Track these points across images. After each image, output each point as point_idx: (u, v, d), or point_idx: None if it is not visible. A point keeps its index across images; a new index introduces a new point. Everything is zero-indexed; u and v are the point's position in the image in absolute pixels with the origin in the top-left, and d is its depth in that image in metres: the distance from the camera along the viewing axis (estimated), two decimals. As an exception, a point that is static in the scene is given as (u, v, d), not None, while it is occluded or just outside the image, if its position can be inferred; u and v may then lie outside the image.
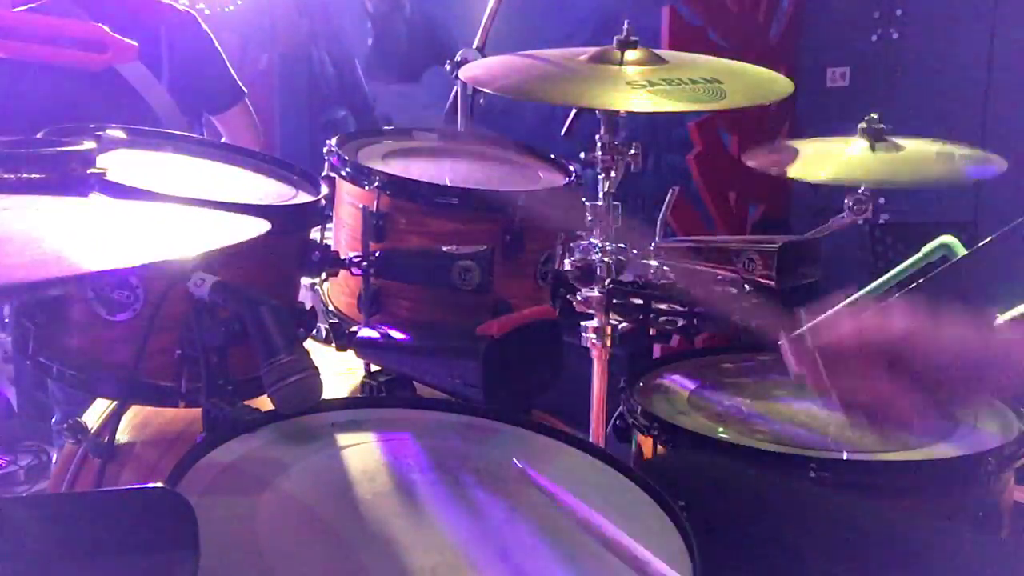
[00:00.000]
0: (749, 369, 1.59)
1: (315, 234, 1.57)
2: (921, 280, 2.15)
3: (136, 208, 1.02)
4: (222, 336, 1.22)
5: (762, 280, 1.51)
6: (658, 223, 1.73)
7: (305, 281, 1.62)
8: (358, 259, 1.54)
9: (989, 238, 2.08)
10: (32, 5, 2.28)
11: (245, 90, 2.70)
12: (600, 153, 1.57)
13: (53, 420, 2.37)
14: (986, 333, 0.97)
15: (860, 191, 1.83)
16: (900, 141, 1.91)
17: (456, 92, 2.14)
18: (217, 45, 2.63)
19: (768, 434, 1.32)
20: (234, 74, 2.67)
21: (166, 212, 0.95)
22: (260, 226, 0.77)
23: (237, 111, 2.69)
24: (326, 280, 1.72)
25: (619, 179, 1.58)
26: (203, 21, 2.60)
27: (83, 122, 1.49)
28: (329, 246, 1.59)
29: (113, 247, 0.70)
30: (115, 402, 1.42)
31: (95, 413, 1.55)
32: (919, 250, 2.41)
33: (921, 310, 0.97)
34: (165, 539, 0.75)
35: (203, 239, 0.75)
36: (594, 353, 1.58)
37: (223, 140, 2.59)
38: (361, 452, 1.09)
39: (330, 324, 1.64)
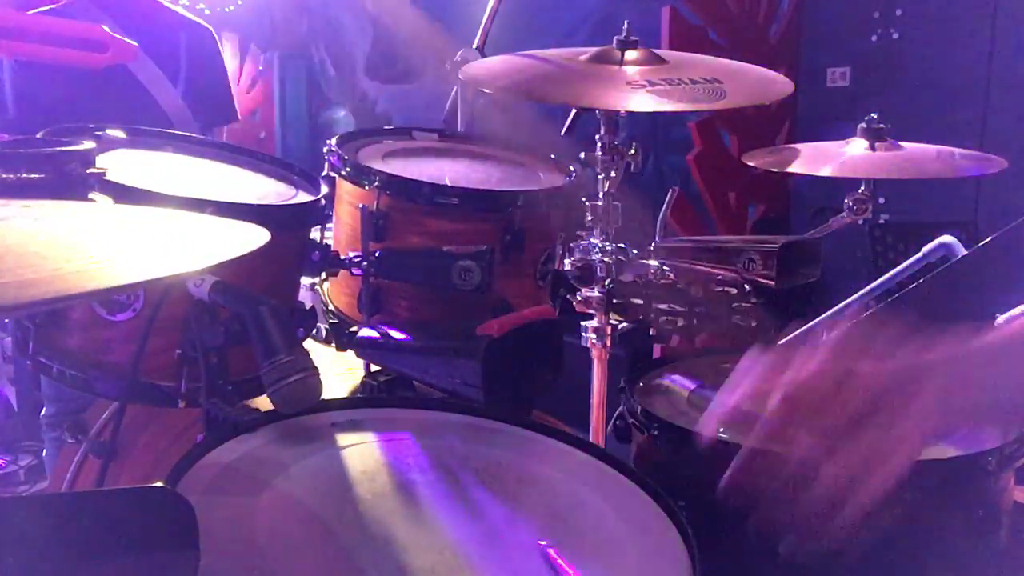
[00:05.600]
0: (749, 369, 1.59)
1: (315, 234, 1.57)
2: (921, 280, 2.15)
3: (136, 214, 1.02)
4: (222, 336, 1.22)
5: (762, 280, 1.51)
6: (658, 223, 1.73)
7: (305, 281, 1.62)
8: (358, 259, 1.54)
9: (989, 238, 2.08)
10: (52, 7, 2.30)
11: (239, 117, 2.76)
12: (600, 153, 1.57)
13: (42, 413, 2.38)
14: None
15: (860, 191, 1.83)
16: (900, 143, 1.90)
17: (456, 92, 2.14)
18: (225, 66, 2.69)
19: (768, 434, 1.31)
20: (234, 97, 2.73)
21: (167, 217, 0.95)
22: (262, 235, 0.77)
23: (219, 131, 2.74)
24: (326, 280, 1.72)
25: (619, 179, 1.58)
26: (217, 38, 2.65)
27: (97, 123, 1.50)
28: (329, 246, 1.59)
29: (118, 260, 0.70)
30: (115, 402, 1.42)
31: (94, 413, 1.55)
32: (919, 250, 2.41)
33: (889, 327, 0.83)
34: (165, 539, 0.75)
35: (208, 250, 0.75)
36: (594, 353, 1.58)
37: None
38: (361, 452, 1.09)
39: (330, 324, 1.64)
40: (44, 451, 2.45)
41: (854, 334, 0.84)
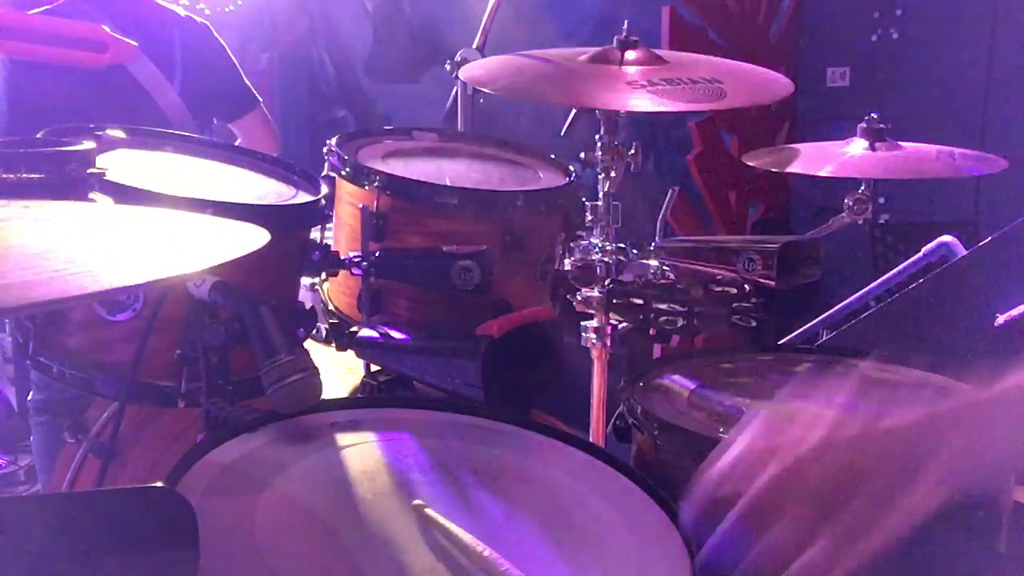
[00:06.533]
0: (749, 369, 1.59)
1: (315, 234, 1.57)
2: (921, 280, 2.15)
3: (135, 214, 1.02)
4: (222, 336, 1.22)
5: (762, 280, 1.51)
6: (658, 223, 1.73)
7: (305, 281, 1.62)
8: (358, 259, 1.54)
9: (989, 238, 2.08)
10: (48, 7, 2.30)
11: (260, 99, 2.75)
12: (600, 153, 1.57)
13: (29, 398, 2.37)
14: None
15: (860, 191, 1.83)
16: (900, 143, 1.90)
17: (456, 92, 2.14)
18: (231, 55, 2.68)
19: (768, 434, 1.31)
20: (248, 83, 2.72)
21: (167, 218, 0.95)
22: (262, 236, 0.78)
23: (252, 118, 2.74)
24: (326, 280, 1.72)
25: (619, 179, 1.58)
26: (216, 32, 2.65)
27: (93, 122, 1.49)
28: (329, 246, 1.59)
29: (118, 261, 0.70)
30: (115, 402, 1.42)
31: (94, 413, 1.55)
32: (919, 250, 2.41)
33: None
34: (165, 539, 0.75)
35: (208, 251, 0.76)
36: (594, 353, 1.58)
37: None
38: (361, 452, 1.09)
39: (330, 324, 1.64)
40: (31, 436, 2.43)
41: (857, 389, 0.81)
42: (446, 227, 1.55)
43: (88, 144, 1.29)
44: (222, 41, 2.67)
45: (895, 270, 2.46)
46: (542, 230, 1.64)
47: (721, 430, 1.34)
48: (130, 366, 1.27)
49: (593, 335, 1.56)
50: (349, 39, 5.66)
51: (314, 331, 1.52)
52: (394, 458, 1.08)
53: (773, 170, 1.94)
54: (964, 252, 2.29)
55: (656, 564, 0.95)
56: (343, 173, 1.62)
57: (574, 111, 1.78)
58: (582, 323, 1.58)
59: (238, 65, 2.71)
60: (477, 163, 1.83)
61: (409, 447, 1.11)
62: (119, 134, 1.53)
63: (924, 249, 2.39)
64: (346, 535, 0.93)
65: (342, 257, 1.54)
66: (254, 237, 0.78)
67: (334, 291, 1.70)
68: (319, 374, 1.12)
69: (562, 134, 1.81)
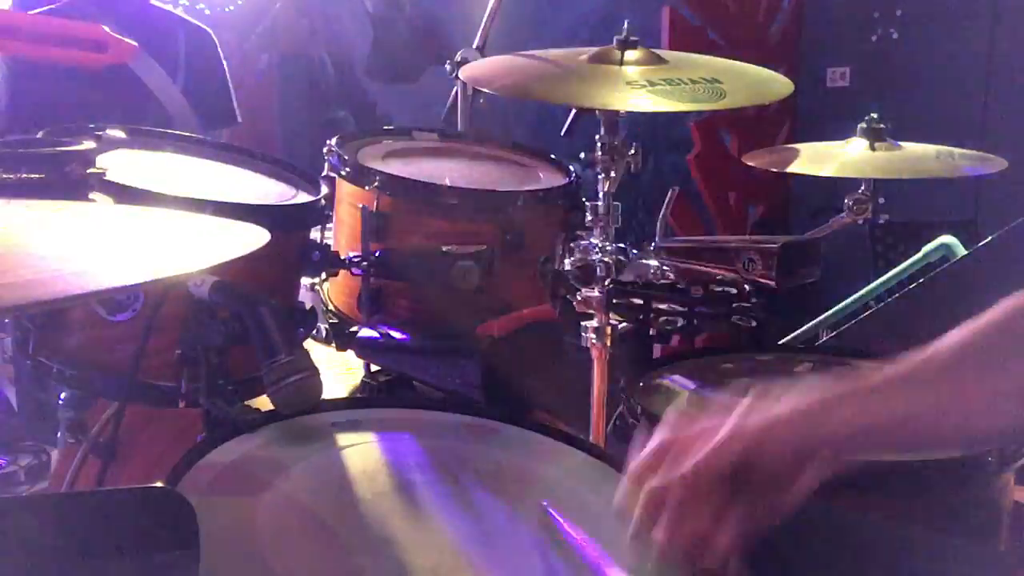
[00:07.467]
0: (749, 369, 1.59)
1: (315, 234, 1.57)
2: (921, 280, 2.15)
3: (136, 214, 1.03)
4: (222, 336, 1.22)
5: (762, 280, 1.51)
6: (658, 223, 1.73)
7: (305, 281, 1.62)
8: (358, 259, 1.54)
9: (989, 238, 2.08)
10: (52, 7, 2.30)
11: (239, 120, 2.75)
12: (600, 153, 1.57)
13: (61, 396, 2.37)
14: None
15: (860, 191, 1.83)
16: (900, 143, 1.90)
17: (456, 92, 2.14)
18: (227, 70, 2.68)
19: (768, 434, 1.31)
20: (234, 102, 2.72)
21: (167, 218, 0.95)
22: (262, 236, 0.78)
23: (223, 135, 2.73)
24: (326, 280, 1.72)
25: (619, 179, 1.58)
26: (217, 40, 2.66)
27: (94, 122, 1.50)
28: (329, 246, 1.59)
29: (118, 261, 0.70)
30: (115, 402, 1.42)
31: (94, 413, 1.55)
32: (919, 250, 2.42)
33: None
34: (165, 539, 0.75)
35: (208, 251, 0.76)
36: (594, 353, 1.58)
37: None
38: (361, 452, 1.09)
39: (330, 324, 1.64)
40: (58, 431, 2.43)
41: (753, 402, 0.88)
42: (446, 227, 1.55)
43: (88, 144, 1.29)
44: (220, 52, 2.68)
45: (895, 270, 2.46)
46: (542, 230, 1.64)
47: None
48: (130, 366, 1.27)
49: (593, 335, 1.56)
50: (349, 39, 5.66)
51: (314, 331, 1.52)
52: (394, 458, 1.08)
53: (773, 170, 1.94)
54: (964, 252, 2.29)
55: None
56: (343, 173, 1.62)
57: (574, 111, 1.78)
58: (582, 323, 1.58)
59: (230, 81, 2.72)
60: (477, 163, 1.83)
61: (409, 447, 1.11)
62: (119, 134, 1.53)
63: (924, 249, 2.39)
64: (346, 535, 0.93)
65: (342, 257, 1.54)
66: (254, 237, 0.78)
67: (334, 291, 1.70)
68: (319, 374, 1.12)
69: (562, 134, 1.81)
